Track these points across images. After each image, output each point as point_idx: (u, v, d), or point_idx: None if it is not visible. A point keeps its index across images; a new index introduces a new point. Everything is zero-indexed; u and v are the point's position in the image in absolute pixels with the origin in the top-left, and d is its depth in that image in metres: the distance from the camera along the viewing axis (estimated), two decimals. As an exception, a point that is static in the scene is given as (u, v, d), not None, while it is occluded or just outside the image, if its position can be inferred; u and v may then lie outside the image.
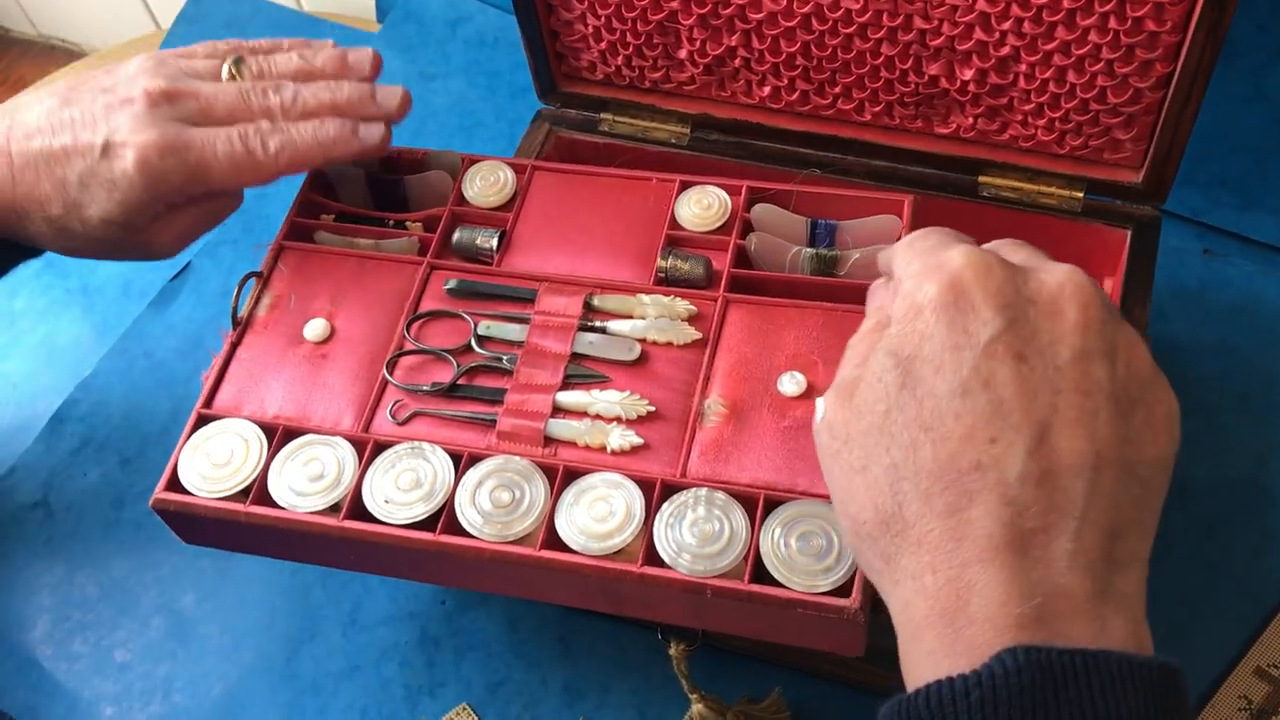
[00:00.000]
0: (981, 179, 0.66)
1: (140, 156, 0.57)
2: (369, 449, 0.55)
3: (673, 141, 0.71)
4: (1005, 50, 0.60)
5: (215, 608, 0.68)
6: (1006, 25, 0.59)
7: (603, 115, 0.72)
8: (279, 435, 0.56)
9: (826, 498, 0.49)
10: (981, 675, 0.33)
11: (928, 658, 0.36)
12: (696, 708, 0.59)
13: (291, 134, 0.59)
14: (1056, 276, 0.39)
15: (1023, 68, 0.60)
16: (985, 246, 0.42)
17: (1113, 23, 0.56)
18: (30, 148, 0.58)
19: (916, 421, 0.37)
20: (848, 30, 0.62)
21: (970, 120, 0.64)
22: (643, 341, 0.57)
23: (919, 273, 0.39)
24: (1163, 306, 0.73)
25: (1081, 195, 0.65)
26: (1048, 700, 0.33)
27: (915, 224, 0.54)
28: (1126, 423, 0.37)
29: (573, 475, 0.53)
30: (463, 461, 0.54)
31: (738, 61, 0.66)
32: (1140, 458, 0.37)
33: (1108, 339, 0.38)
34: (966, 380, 0.37)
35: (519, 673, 0.64)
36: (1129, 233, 0.64)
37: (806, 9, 0.62)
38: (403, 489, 0.53)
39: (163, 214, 0.60)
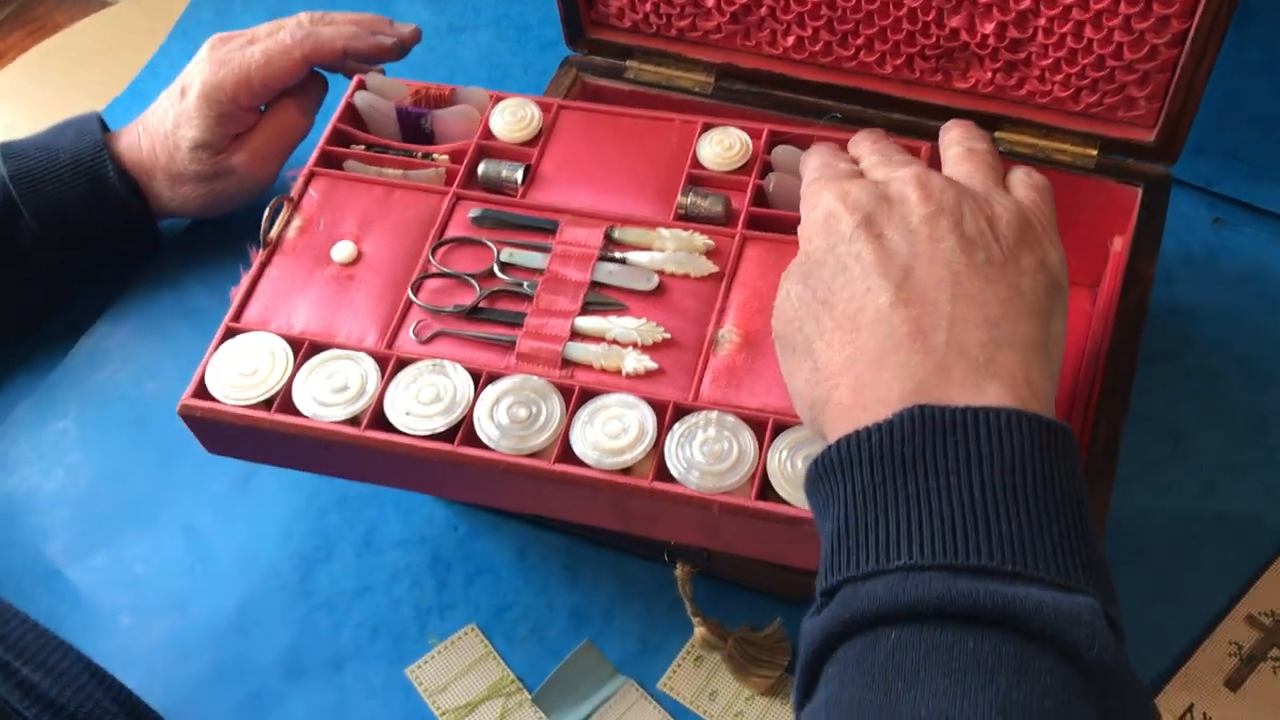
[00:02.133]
0: (998, 134, 0.67)
1: (202, 80, 0.74)
2: (391, 365, 0.56)
3: (696, 90, 0.72)
4: (1025, 3, 0.61)
5: (231, 527, 0.70)
6: (1028, -22, 0.60)
7: (629, 63, 0.74)
8: (305, 349, 0.57)
9: None
10: (882, 425, 0.41)
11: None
12: (699, 631, 0.61)
13: (315, 29, 0.74)
14: (900, 176, 0.48)
15: (1042, 22, 0.62)
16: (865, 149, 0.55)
17: (1131, -23, 0.58)
18: (147, 121, 0.77)
19: (815, 301, 0.47)
20: (872, -20, 0.63)
21: (989, 75, 0.66)
22: (660, 273, 0.59)
23: (803, 215, 0.50)
24: (1171, 271, 0.75)
25: (1095, 153, 0.66)
26: (937, 441, 0.40)
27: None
28: (986, 253, 0.45)
29: (588, 395, 0.55)
30: (482, 379, 0.55)
31: (764, 10, 0.68)
32: (1007, 276, 0.45)
33: (950, 203, 0.47)
34: (841, 262, 0.46)
35: (527, 597, 0.66)
36: (1140, 190, 0.65)
37: (833, -42, 0.63)
38: (423, 403, 0.55)
39: (237, 135, 0.76)
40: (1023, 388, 0.42)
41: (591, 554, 0.67)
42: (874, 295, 0.45)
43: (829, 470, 0.42)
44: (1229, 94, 0.72)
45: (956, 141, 0.53)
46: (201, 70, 0.74)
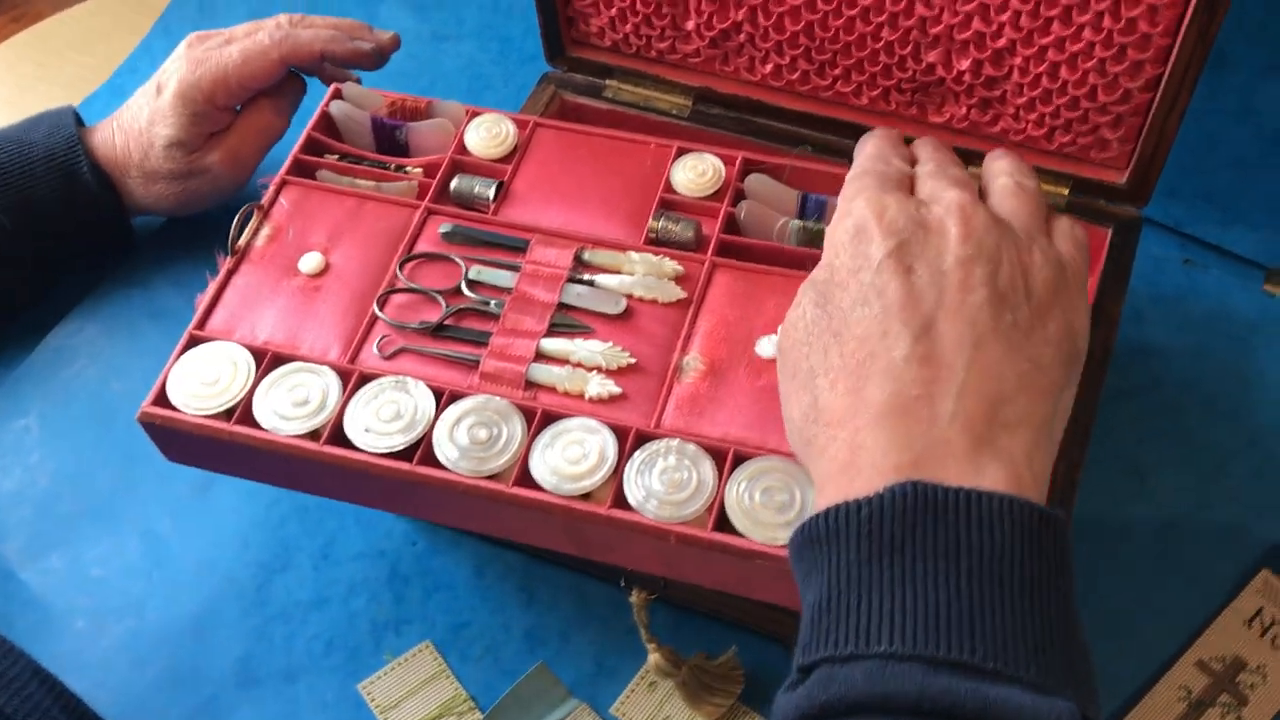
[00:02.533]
0: (972, 169, 0.67)
1: (178, 79, 0.73)
2: (354, 380, 0.56)
3: (674, 113, 0.72)
4: (1001, 42, 0.61)
5: (191, 533, 0.70)
6: (1004, 17, 0.60)
7: (608, 82, 0.74)
8: (267, 360, 0.57)
9: (793, 455, 0.51)
10: (872, 500, 0.39)
11: (830, 503, 0.41)
12: (653, 658, 0.61)
13: (294, 31, 0.74)
14: (944, 202, 0.46)
15: (1017, 61, 0.62)
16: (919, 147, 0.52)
17: (1107, 21, 0.58)
18: (121, 118, 0.77)
19: (828, 331, 0.45)
20: (851, 12, 0.63)
21: (964, 110, 0.66)
22: (629, 297, 0.59)
23: (835, 219, 0.48)
24: (1141, 310, 0.75)
25: (1067, 192, 0.66)
26: (926, 523, 0.39)
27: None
28: (1014, 314, 0.43)
29: (550, 418, 0.55)
30: (444, 398, 0.55)
31: (743, 37, 0.68)
32: (1029, 345, 0.43)
33: (989, 247, 0.44)
34: (865, 293, 0.44)
35: (483, 616, 0.66)
36: (1110, 231, 0.66)
37: (813, -12, 0.63)
38: (383, 420, 0.55)
39: (212, 134, 0.75)
40: (1023, 470, 0.41)
41: (550, 574, 0.67)
42: (889, 344, 0.43)
43: (814, 540, 0.41)
44: (1203, 137, 0.73)
45: (1006, 173, 0.50)
46: (178, 68, 0.74)
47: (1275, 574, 0.65)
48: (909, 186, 0.49)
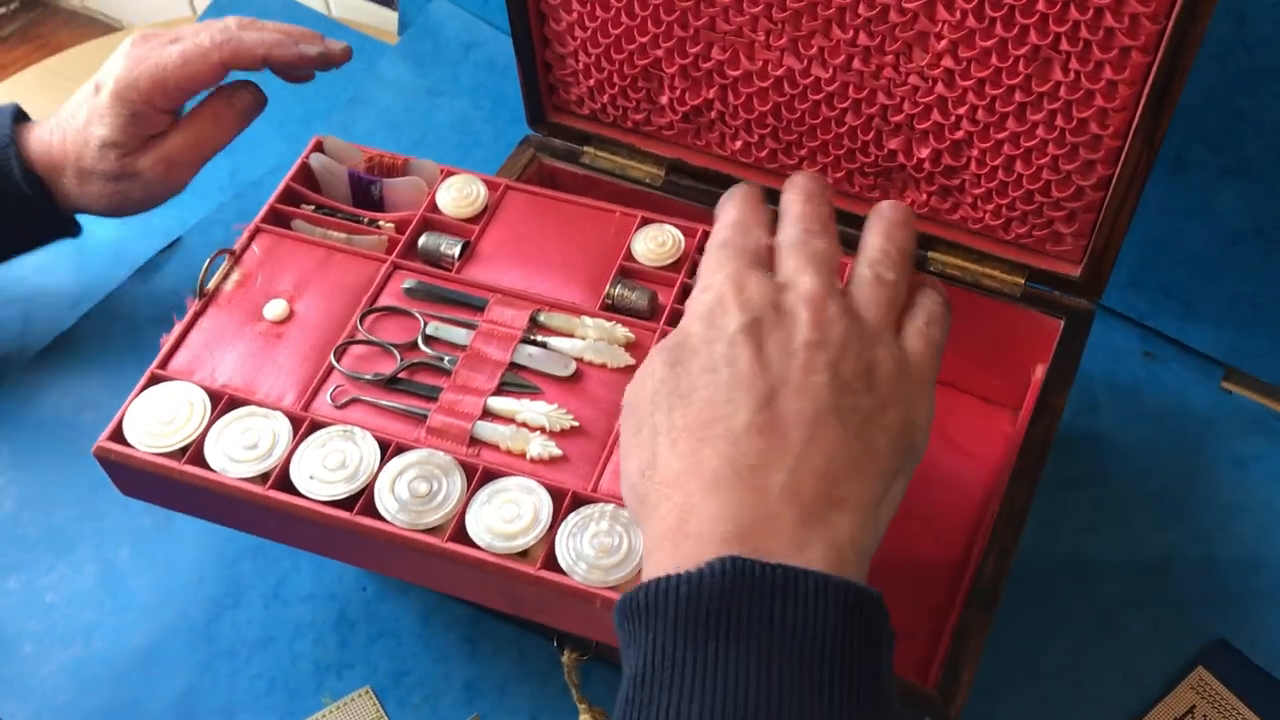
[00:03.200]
0: (931, 254, 0.69)
1: (115, 77, 0.71)
2: (305, 426, 0.57)
3: (647, 181, 0.74)
4: (960, 134, 0.63)
5: (148, 565, 0.71)
6: (962, 110, 0.62)
7: (585, 148, 0.76)
8: (223, 403, 0.58)
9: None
10: (692, 575, 0.40)
11: (657, 569, 0.42)
12: (584, 718, 0.61)
13: (238, 33, 0.72)
14: (799, 290, 0.47)
15: (975, 153, 0.64)
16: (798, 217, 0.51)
17: (1059, 120, 0.60)
18: (62, 115, 0.74)
19: (675, 392, 0.45)
20: (816, 97, 0.65)
21: (925, 197, 0.68)
22: (579, 360, 0.60)
23: (696, 290, 0.49)
24: (1096, 399, 0.76)
25: (1022, 282, 0.67)
26: (743, 601, 0.39)
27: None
28: (854, 400, 0.44)
29: (490, 476, 0.56)
30: (389, 450, 0.57)
31: (714, 114, 0.70)
32: (866, 429, 0.44)
33: (835, 339, 0.45)
34: (715, 362, 0.45)
35: (425, 664, 0.67)
36: (1062, 323, 0.67)
37: (779, 72, 0.65)
38: (329, 468, 0.56)
39: (150, 137, 0.73)
40: (846, 549, 0.42)
41: (494, 628, 0.68)
42: (732, 409, 0.43)
43: (635, 613, 0.41)
44: (1165, 234, 0.74)
45: (869, 263, 0.50)
46: (117, 67, 0.71)
47: (1210, 671, 0.65)
48: (767, 260, 0.49)
